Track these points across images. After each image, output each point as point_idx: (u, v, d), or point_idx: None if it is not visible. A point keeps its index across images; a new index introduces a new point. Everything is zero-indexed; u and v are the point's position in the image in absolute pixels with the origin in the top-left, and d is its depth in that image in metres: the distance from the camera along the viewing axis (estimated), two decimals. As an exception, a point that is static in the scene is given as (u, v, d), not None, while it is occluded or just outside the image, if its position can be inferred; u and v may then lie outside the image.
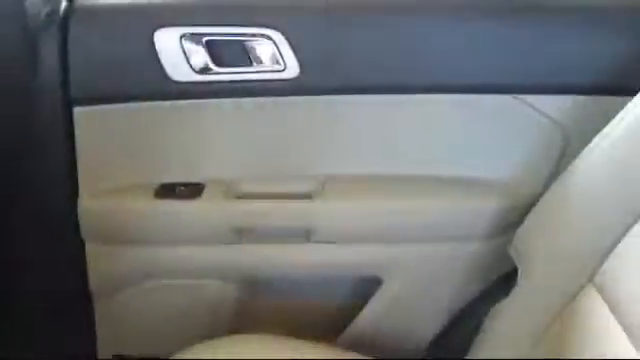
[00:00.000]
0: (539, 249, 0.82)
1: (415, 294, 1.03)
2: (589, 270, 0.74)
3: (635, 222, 0.70)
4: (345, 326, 1.05)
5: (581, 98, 0.90)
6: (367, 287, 1.05)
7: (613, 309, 0.70)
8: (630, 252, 0.70)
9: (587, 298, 0.74)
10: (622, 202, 0.71)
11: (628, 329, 0.66)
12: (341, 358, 0.94)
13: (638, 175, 0.71)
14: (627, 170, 0.72)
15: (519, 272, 0.85)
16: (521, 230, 0.86)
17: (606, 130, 0.77)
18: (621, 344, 0.65)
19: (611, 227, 0.72)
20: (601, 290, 0.73)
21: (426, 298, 1.03)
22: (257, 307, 1.08)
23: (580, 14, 0.93)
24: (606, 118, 0.78)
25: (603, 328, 0.70)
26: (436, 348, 1.03)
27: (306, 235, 1.00)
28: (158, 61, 0.92)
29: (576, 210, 0.78)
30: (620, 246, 0.71)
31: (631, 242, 0.70)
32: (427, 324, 1.04)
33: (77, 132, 0.95)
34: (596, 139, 0.78)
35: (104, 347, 1.12)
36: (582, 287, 0.75)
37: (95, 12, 0.92)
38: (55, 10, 0.90)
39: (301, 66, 0.93)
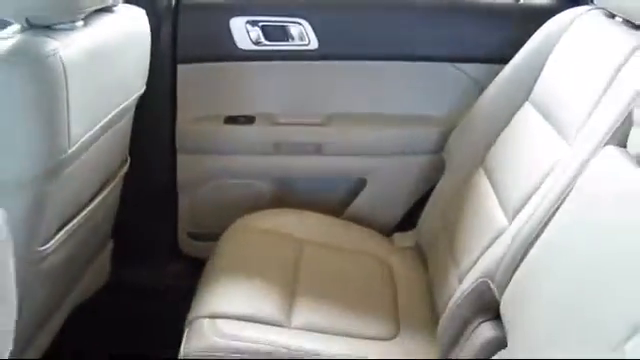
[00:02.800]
0: (455, 149, 1.41)
1: (388, 189, 1.61)
2: (481, 158, 1.32)
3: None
4: (343, 210, 1.63)
5: (489, 65, 1.47)
6: (357, 185, 1.62)
7: (494, 186, 1.25)
8: (508, 139, 1.25)
9: (479, 178, 1.31)
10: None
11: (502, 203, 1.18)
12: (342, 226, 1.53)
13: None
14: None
15: (446, 167, 1.44)
16: (448, 143, 1.45)
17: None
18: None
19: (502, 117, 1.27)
20: (487, 171, 1.30)
21: (395, 191, 1.61)
22: (285, 199, 1.64)
23: (490, 11, 1.50)
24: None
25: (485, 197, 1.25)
26: (402, 222, 1.61)
27: (317, 149, 1.57)
28: (231, 37, 1.49)
29: (475, 121, 1.35)
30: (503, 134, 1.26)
31: (510, 129, 1.25)
32: (396, 208, 1.61)
33: (178, 80, 1.52)
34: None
35: (182, 228, 1.68)
36: (477, 169, 1.33)
37: (194, 6, 1.49)
38: (170, 4, 1.47)
39: (319, 42, 1.51)
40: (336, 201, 1.64)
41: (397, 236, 1.55)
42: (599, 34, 1.09)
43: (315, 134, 1.58)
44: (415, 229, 1.53)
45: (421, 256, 1.46)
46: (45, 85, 0.92)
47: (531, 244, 0.93)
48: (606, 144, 0.86)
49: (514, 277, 0.95)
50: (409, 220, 1.60)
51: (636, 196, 0.73)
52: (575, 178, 0.88)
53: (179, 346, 1.13)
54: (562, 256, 0.83)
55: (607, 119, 0.88)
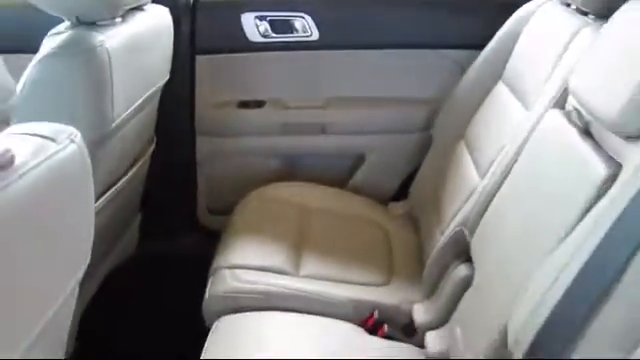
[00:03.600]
0: (441, 126, 1.61)
1: (384, 163, 1.80)
2: (462, 132, 1.52)
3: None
4: (345, 182, 1.83)
5: (470, 51, 1.66)
6: (356, 160, 1.83)
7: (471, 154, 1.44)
8: (484, 114, 1.45)
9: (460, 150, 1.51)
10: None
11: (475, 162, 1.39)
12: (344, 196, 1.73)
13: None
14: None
15: (433, 142, 1.64)
16: (435, 121, 1.65)
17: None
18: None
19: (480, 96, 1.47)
20: (467, 142, 1.50)
21: (390, 165, 1.80)
22: (293, 174, 1.84)
23: (471, 4, 1.70)
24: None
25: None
26: (397, 192, 1.81)
27: (321, 129, 1.78)
28: (242, 30, 1.69)
29: (457, 101, 1.55)
30: (480, 110, 1.47)
31: (486, 105, 1.46)
32: (392, 180, 1.81)
33: (197, 70, 1.72)
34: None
35: (200, 203, 1.89)
36: (459, 142, 1.52)
37: (210, 4, 1.69)
38: (188, 2, 1.67)
39: (320, 34, 1.71)
40: (338, 175, 1.83)
41: (392, 205, 1.75)
42: (555, 19, 1.28)
43: (318, 116, 1.78)
44: (408, 198, 1.74)
45: (413, 221, 1.66)
46: (95, 71, 1.12)
47: (494, 195, 1.13)
48: (551, 108, 1.06)
49: (480, 223, 1.15)
50: (403, 191, 1.80)
51: (569, 147, 0.93)
52: (527, 138, 1.08)
53: (199, 311, 1.33)
54: (514, 203, 1.03)
55: (554, 88, 1.08)
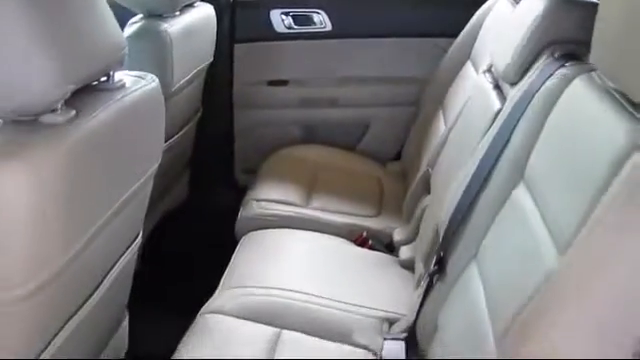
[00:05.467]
0: (425, 99, 2.02)
1: (384, 132, 2.22)
2: (441, 103, 1.92)
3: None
4: (353, 147, 2.25)
5: (453, 38, 2.05)
6: (362, 129, 2.25)
7: (444, 115, 1.86)
8: (454, 86, 1.87)
9: (438, 116, 1.92)
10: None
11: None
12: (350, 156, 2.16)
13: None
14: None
15: (420, 113, 2.05)
16: (421, 96, 2.06)
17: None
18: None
19: (454, 73, 1.90)
20: (442, 109, 1.90)
21: (389, 133, 2.21)
22: (310, 140, 2.27)
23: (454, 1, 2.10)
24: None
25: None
26: (395, 155, 2.21)
27: (333, 103, 2.21)
28: (271, 24, 2.14)
29: (438, 78, 1.97)
30: (453, 84, 1.88)
31: (456, 80, 1.87)
32: (390, 145, 2.22)
33: (235, 55, 2.18)
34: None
35: (237, 164, 2.33)
36: (438, 111, 1.93)
37: (245, 3, 2.14)
38: (228, 2, 2.13)
39: (332, 26, 2.14)
40: (347, 141, 2.25)
41: (389, 164, 2.17)
42: (502, 10, 1.67)
43: (331, 92, 2.21)
44: (401, 159, 2.15)
45: (404, 176, 2.06)
46: (160, 49, 1.59)
47: (447, 138, 1.55)
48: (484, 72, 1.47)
49: (437, 161, 1.57)
50: (400, 154, 2.21)
51: (485, 96, 1.34)
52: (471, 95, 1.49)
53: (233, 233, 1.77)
54: (454, 138, 1.44)
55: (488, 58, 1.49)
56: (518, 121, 1.09)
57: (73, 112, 0.89)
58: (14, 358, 0.89)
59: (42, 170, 0.81)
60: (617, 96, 0.85)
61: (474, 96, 1.44)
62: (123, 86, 1.04)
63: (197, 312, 1.36)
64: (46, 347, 0.95)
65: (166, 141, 1.78)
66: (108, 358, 1.36)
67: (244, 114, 2.25)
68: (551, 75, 1.05)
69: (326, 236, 1.68)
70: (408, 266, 1.58)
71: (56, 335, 0.97)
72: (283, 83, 2.23)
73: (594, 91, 0.90)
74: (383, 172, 2.11)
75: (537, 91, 1.06)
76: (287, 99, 2.23)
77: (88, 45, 0.92)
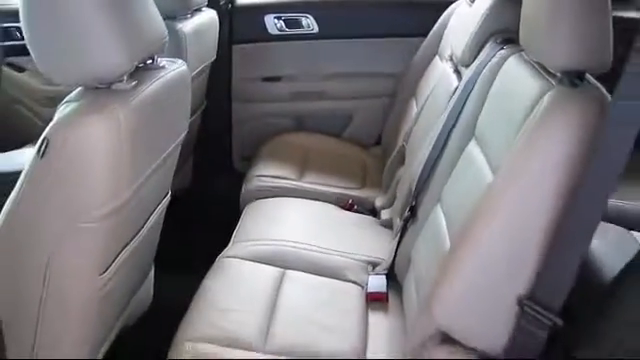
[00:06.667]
0: (400, 90, 2.34)
1: (366, 121, 2.53)
2: (413, 92, 2.24)
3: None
4: (339, 135, 2.56)
5: (420, 38, 2.37)
6: (346, 119, 2.55)
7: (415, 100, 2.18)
8: (425, 76, 2.19)
9: (411, 103, 2.23)
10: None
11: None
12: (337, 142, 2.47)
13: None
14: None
15: (396, 101, 2.37)
16: (397, 87, 2.38)
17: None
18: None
19: (424, 65, 2.22)
20: (415, 97, 2.22)
21: (371, 122, 2.52)
22: (301, 130, 2.58)
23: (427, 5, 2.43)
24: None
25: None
26: (377, 140, 2.52)
27: (321, 96, 2.52)
28: (265, 26, 2.45)
29: (411, 70, 2.29)
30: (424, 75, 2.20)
31: (426, 72, 2.19)
32: (372, 132, 2.52)
33: (233, 54, 2.48)
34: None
35: (235, 152, 2.62)
36: (411, 98, 2.25)
37: (242, 8, 2.45)
38: (227, 6, 2.43)
39: (319, 28, 2.46)
40: (333, 129, 2.56)
41: (371, 148, 2.48)
42: (467, 8, 1.99)
43: (318, 86, 2.52)
44: (381, 143, 2.46)
45: (384, 158, 2.37)
46: (177, 45, 1.88)
47: (418, 116, 1.87)
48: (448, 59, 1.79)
49: (411, 134, 1.88)
50: (380, 140, 2.53)
51: (447, 78, 1.66)
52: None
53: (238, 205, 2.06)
54: (423, 112, 1.76)
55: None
56: (469, 93, 1.41)
57: (134, 82, 1.18)
58: (88, 270, 1.18)
59: (116, 123, 1.10)
60: (536, 66, 1.17)
61: (439, 81, 1.76)
62: (164, 67, 1.34)
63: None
64: (108, 267, 1.24)
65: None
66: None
67: (242, 107, 2.55)
68: (493, 56, 1.37)
69: (319, 202, 1.98)
70: (387, 225, 1.88)
71: (115, 259, 1.26)
72: (276, 79, 2.53)
73: (521, 64, 1.22)
74: (366, 155, 2.42)
75: (483, 69, 1.38)
76: (280, 93, 2.54)
77: (144, 34, 1.22)
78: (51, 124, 1.08)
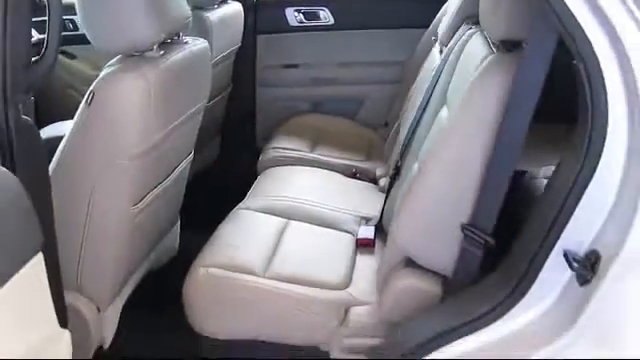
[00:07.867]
0: (404, 76, 2.59)
1: (376, 105, 2.79)
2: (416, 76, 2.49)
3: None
4: (353, 117, 2.82)
5: (422, 29, 2.61)
6: (358, 103, 2.82)
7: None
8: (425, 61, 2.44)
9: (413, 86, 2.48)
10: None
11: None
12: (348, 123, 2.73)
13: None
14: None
15: (402, 87, 2.62)
16: (403, 73, 2.63)
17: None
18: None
19: (425, 52, 2.48)
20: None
21: (380, 106, 2.78)
22: (316, 112, 2.85)
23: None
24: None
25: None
26: (385, 122, 2.78)
27: (335, 81, 2.79)
28: (286, 19, 2.74)
29: (414, 58, 2.54)
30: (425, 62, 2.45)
31: (428, 58, 2.44)
32: (381, 116, 2.78)
33: (257, 44, 2.77)
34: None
35: (258, 133, 2.91)
36: (413, 82, 2.50)
37: (266, 2, 2.74)
38: (252, 1, 2.73)
39: (334, 20, 2.73)
40: (346, 113, 2.82)
41: (379, 129, 2.73)
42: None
43: (333, 73, 2.80)
44: (387, 125, 2.72)
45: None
46: (204, 32, 2.18)
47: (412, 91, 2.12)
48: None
49: (406, 110, 2.14)
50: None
51: (435, 57, 1.91)
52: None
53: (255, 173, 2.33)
54: (416, 95, 2.01)
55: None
56: (444, 66, 1.66)
57: (162, 52, 1.48)
58: (123, 200, 1.47)
59: (146, 81, 1.39)
60: (488, 40, 1.42)
61: (429, 62, 2.02)
62: (187, 42, 1.63)
63: None
64: (140, 200, 1.53)
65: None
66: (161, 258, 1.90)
67: (264, 91, 2.84)
68: (463, 35, 1.62)
69: (326, 170, 2.25)
70: (384, 191, 2.14)
71: (146, 195, 1.56)
72: (295, 66, 2.82)
73: (479, 39, 1.47)
74: (373, 134, 2.68)
75: (454, 46, 1.63)
76: (298, 79, 2.82)
77: (171, 13, 1.52)
78: (96, 80, 1.38)
